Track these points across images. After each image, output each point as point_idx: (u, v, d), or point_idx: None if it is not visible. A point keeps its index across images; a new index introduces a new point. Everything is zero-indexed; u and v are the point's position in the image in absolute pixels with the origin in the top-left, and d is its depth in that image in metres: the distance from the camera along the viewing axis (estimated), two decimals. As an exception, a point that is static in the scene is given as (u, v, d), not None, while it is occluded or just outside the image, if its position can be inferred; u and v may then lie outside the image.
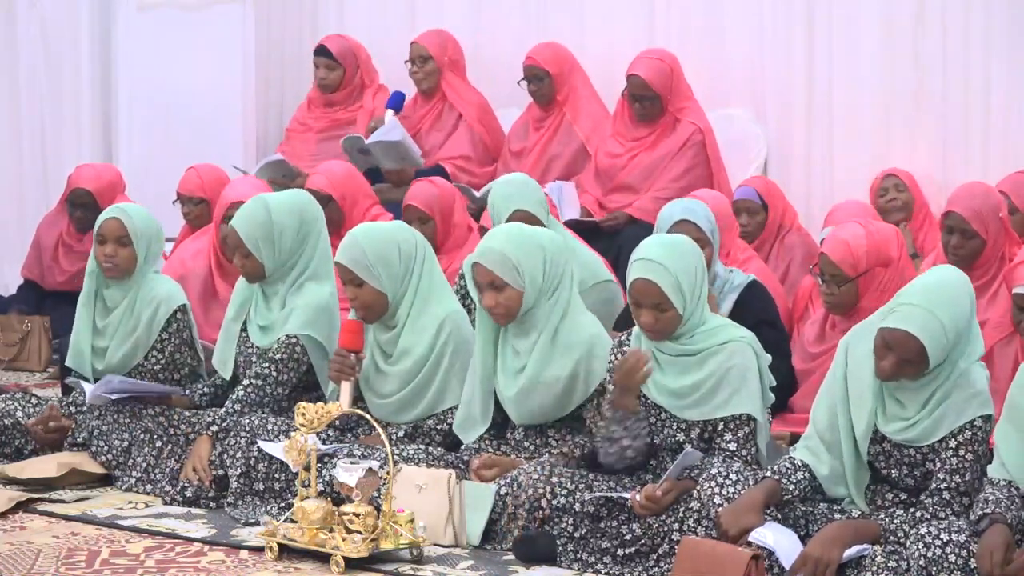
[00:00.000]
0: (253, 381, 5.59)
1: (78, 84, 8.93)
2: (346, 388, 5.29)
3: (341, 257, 5.42)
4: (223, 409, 5.57)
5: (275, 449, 5.26)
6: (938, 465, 4.47)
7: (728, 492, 4.55)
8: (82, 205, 7.71)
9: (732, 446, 4.78)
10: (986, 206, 5.91)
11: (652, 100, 7.52)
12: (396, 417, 5.43)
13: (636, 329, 4.91)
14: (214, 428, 5.51)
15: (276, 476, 5.31)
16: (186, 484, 5.44)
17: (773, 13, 7.83)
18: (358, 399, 5.45)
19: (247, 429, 5.37)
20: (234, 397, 5.58)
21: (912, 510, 4.47)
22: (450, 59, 8.34)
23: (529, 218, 5.66)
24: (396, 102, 8.27)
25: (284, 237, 5.68)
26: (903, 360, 4.43)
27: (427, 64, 8.32)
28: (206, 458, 5.47)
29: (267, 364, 5.58)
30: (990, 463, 4.48)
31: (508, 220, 5.92)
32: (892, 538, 4.41)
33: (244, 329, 5.78)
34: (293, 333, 5.59)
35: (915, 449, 4.51)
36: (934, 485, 4.46)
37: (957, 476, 4.43)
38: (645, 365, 4.76)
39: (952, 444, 4.44)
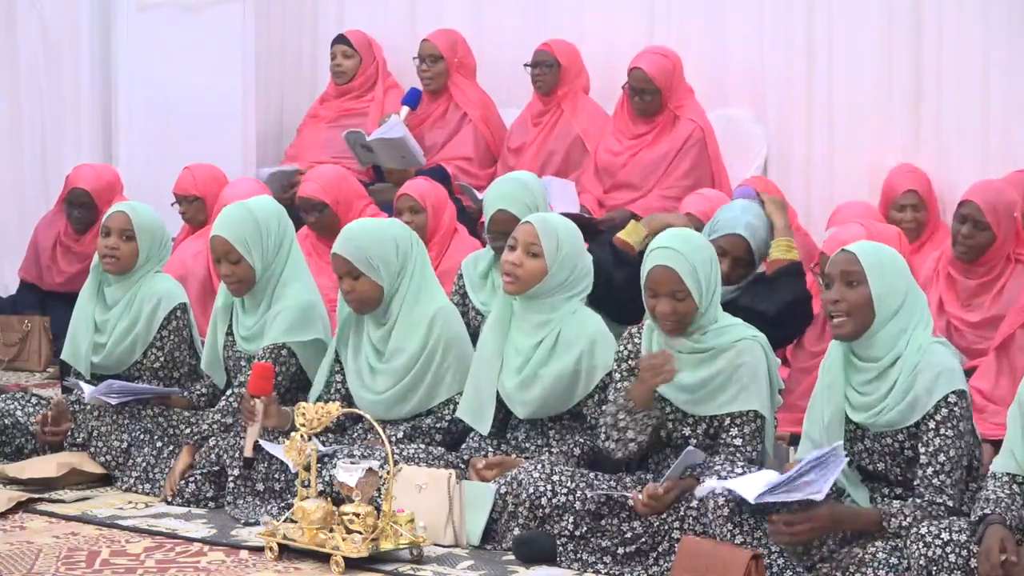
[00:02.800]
0: (237, 390, 5.59)
1: (78, 84, 8.92)
2: (250, 433, 5.26)
3: (340, 249, 5.42)
4: (208, 418, 5.57)
5: (275, 449, 5.26)
6: (920, 449, 4.48)
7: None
8: (80, 205, 7.71)
9: (737, 441, 4.79)
10: (1002, 202, 5.97)
11: (652, 94, 7.53)
12: (389, 413, 5.43)
13: (648, 322, 4.91)
14: (195, 438, 5.53)
15: (276, 476, 5.31)
16: (166, 499, 5.46)
17: (773, 13, 7.83)
18: (282, 433, 5.37)
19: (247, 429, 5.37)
20: (219, 407, 5.59)
21: (910, 500, 4.47)
22: (460, 60, 8.34)
23: (510, 219, 5.67)
24: (412, 98, 8.26)
25: (269, 238, 5.69)
26: (845, 281, 4.49)
27: (437, 64, 8.31)
28: (179, 472, 5.48)
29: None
30: (973, 438, 4.52)
31: (489, 220, 5.93)
32: (894, 522, 4.41)
33: (230, 333, 5.78)
34: (278, 341, 5.59)
35: (892, 438, 4.53)
36: (920, 472, 4.48)
37: (942, 455, 4.45)
38: (669, 365, 4.76)
39: (931, 424, 4.47)
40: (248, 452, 5.24)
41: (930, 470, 4.46)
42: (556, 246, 5.18)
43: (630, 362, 4.95)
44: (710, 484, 4.52)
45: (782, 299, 5.58)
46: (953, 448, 4.45)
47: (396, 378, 5.43)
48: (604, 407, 4.96)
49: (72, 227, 7.84)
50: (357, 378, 5.50)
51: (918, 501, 4.45)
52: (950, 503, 4.43)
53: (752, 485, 4.44)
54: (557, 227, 5.23)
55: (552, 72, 7.97)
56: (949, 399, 4.47)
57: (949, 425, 4.46)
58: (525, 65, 8.01)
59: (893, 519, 4.42)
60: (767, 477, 4.48)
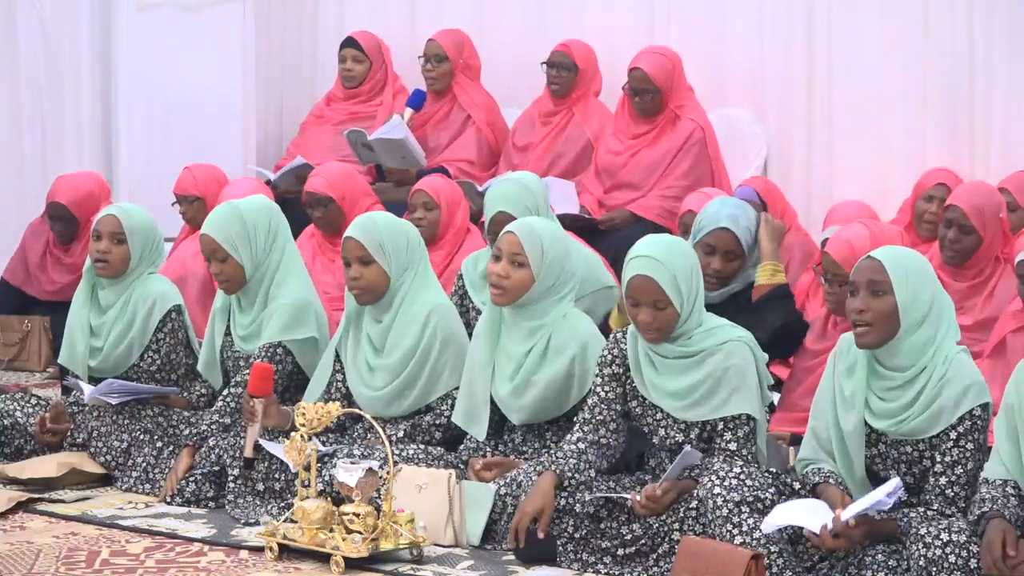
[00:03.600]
0: (232, 390, 5.60)
1: (78, 84, 8.91)
2: (250, 433, 5.25)
3: (354, 232, 5.43)
4: (207, 419, 5.58)
5: (276, 448, 5.26)
6: (937, 458, 4.47)
7: (730, 483, 4.53)
8: (59, 219, 7.52)
9: (732, 446, 4.77)
10: (988, 205, 5.94)
11: (652, 94, 7.53)
12: (387, 410, 5.43)
13: (632, 328, 4.90)
14: (195, 439, 5.54)
15: (276, 476, 5.31)
16: (166, 500, 5.47)
17: (773, 13, 7.83)
18: (279, 435, 5.38)
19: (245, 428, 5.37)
20: (217, 407, 5.59)
21: (922, 510, 4.46)
22: (465, 61, 8.33)
23: (509, 220, 5.68)
24: (417, 100, 8.25)
25: (258, 236, 5.69)
26: (871, 291, 4.46)
27: (442, 64, 8.29)
28: (180, 473, 5.49)
29: (248, 371, 5.58)
30: (989, 451, 4.49)
31: (490, 221, 5.94)
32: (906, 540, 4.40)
33: (228, 334, 5.78)
34: (274, 340, 5.59)
35: (912, 446, 4.52)
36: (933, 480, 4.46)
37: (959, 467, 4.43)
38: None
39: (952, 435, 4.44)
40: (248, 452, 5.24)
41: (943, 479, 4.45)
42: (541, 253, 5.17)
43: (613, 367, 4.93)
44: (772, 522, 4.43)
45: (771, 325, 5.56)
46: (972, 461, 4.43)
47: (393, 374, 5.44)
48: (572, 430, 4.95)
49: (57, 240, 7.73)
50: (356, 375, 5.51)
51: (928, 513, 4.44)
52: (959, 512, 4.41)
53: (818, 518, 4.39)
54: (540, 234, 5.22)
55: (570, 75, 7.94)
56: (974, 412, 4.44)
57: (970, 438, 4.44)
58: (542, 63, 7.98)
59: (910, 525, 4.41)
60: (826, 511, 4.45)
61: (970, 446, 4.43)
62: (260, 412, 5.23)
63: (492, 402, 5.27)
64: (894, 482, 4.38)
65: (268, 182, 7.90)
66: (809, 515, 4.42)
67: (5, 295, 7.93)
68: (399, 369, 5.43)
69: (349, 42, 8.56)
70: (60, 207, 7.53)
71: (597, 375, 4.95)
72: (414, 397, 5.45)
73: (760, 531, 4.43)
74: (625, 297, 4.83)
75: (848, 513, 4.34)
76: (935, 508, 4.44)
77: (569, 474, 4.80)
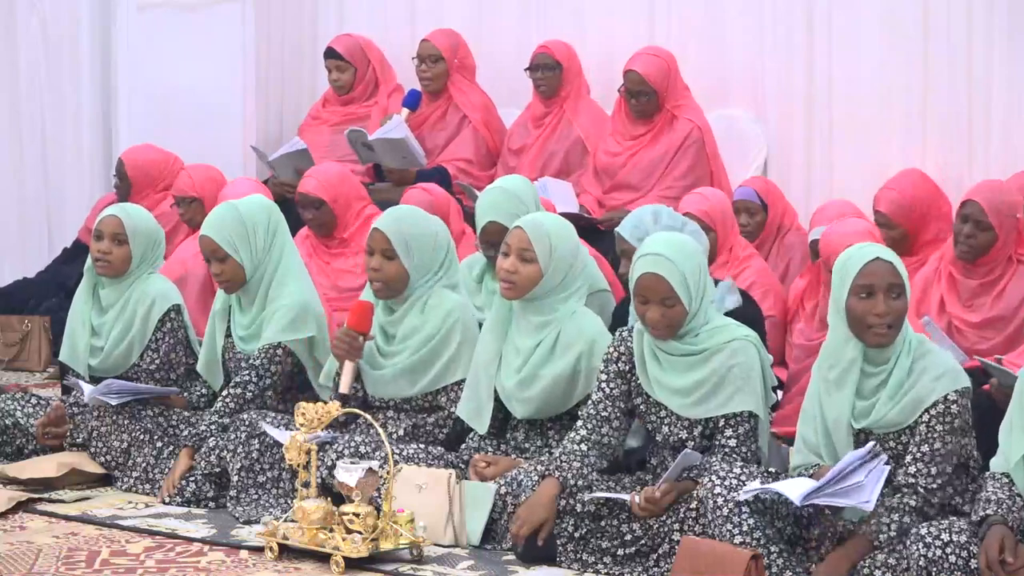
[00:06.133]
0: (232, 391, 5.60)
1: (78, 83, 8.93)
2: (348, 369, 5.30)
3: (382, 225, 5.44)
4: (204, 421, 5.58)
5: (281, 435, 5.24)
6: (912, 442, 4.49)
7: (731, 483, 4.53)
8: (118, 175, 7.78)
9: (732, 442, 4.77)
10: (1005, 203, 5.95)
11: (649, 96, 7.52)
12: (403, 388, 5.41)
13: (638, 326, 4.90)
14: (193, 439, 5.54)
15: (281, 470, 5.31)
16: (165, 500, 5.47)
17: (773, 13, 7.83)
18: (356, 383, 5.41)
19: (247, 423, 5.38)
20: (215, 408, 5.60)
21: (879, 508, 4.44)
22: (460, 61, 8.32)
23: (500, 230, 5.66)
24: (412, 100, 8.22)
25: (257, 235, 5.70)
26: (893, 294, 4.47)
27: (437, 64, 8.27)
28: (177, 474, 5.49)
29: (247, 372, 5.58)
30: (969, 437, 4.52)
31: (480, 231, 5.91)
32: (883, 536, 4.40)
33: (229, 335, 5.79)
34: (273, 341, 5.60)
35: (894, 440, 4.53)
36: (903, 462, 4.49)
37: (925, 446, 4.46)
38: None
39: (925, 418, 4.47)
40: (345, 388, 5.25)
41: (908, 458, 4.48)
42: (549, 249, 5.18)
43: (618, 364, 4.93)
44: (750, 487, 4.47)
45: None
46: (939, 441, 4.45)
47: (411, 352, 5.42)
48: (573, 429, 4.94)
49: (117, 197, 7.82)
50: (366, 359, 5.48)
51: (888, 503, 4.44)
52: (921, 489, 4.43)
53: (795, 486, 4.41)
54: (549, 230, 5.22)
55: (555, 75, 7.93)
56: (949, 397, 4.47)
57: (943, 420, 4.46)
58: (525, 70, 7.98)
59: (881, 535, 4.42)
60: (807, 481, 4.45)
61: (939, 427, 4.46)
62: (363, 347, 5.25)
63: (496, 399, 5.28)
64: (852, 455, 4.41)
65: (266, 181, 7.91)
66: (787, 485, 4.44)
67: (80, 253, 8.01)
68: (417, 349, 5.41)
69: (329, 52, 8.51)
70: (120, 163, 7.81)
71: (602, 371, 4.95)
72: (428, 380, 5.42)
73: (760, 532, 4.44)
74: (634, 295, 4.83)
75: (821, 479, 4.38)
76: (892, 484, 4.44)
77: (572, 481, 4.80)
